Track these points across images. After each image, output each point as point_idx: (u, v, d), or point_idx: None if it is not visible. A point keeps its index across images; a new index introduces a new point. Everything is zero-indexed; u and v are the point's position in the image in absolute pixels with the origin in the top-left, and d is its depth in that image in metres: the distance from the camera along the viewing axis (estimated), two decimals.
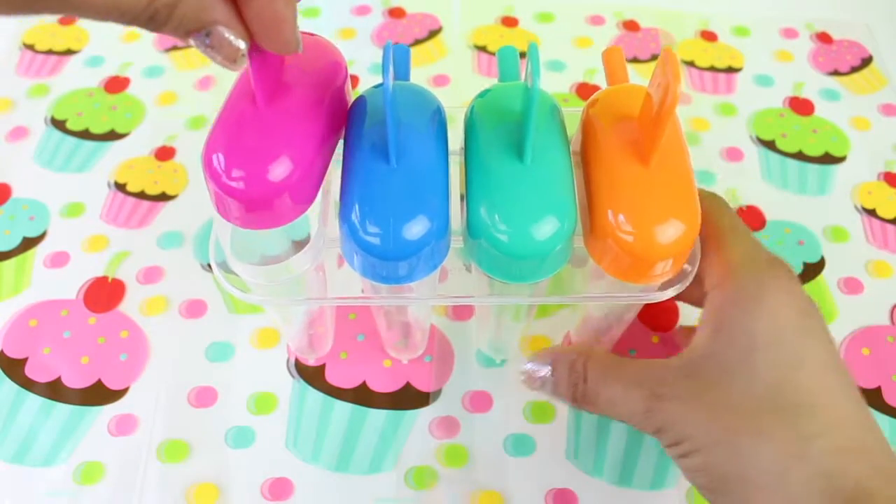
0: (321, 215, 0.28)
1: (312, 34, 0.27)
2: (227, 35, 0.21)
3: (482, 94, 0.29)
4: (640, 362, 0.28)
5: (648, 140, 0.26)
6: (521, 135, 0.26)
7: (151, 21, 0.20)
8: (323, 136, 0.26)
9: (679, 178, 0.26)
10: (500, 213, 0.25)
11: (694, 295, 0.29)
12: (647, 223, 0.25)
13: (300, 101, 0.25)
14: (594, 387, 0.28)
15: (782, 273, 0.27)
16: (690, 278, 0.28)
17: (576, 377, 0.28)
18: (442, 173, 0.26)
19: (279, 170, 0.24)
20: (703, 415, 0.25)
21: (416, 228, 0.24)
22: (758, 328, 0.25)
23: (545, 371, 0.29)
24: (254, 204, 0.24)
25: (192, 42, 0.21)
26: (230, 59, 0.21)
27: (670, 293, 0.28)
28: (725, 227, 0.28)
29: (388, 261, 0.25)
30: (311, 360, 0.36)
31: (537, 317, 0.38)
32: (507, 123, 0.27)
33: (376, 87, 0.28)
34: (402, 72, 0.30)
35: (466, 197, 0.26)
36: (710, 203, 0.29)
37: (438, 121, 0.27)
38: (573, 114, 0.29)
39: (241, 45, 0.21)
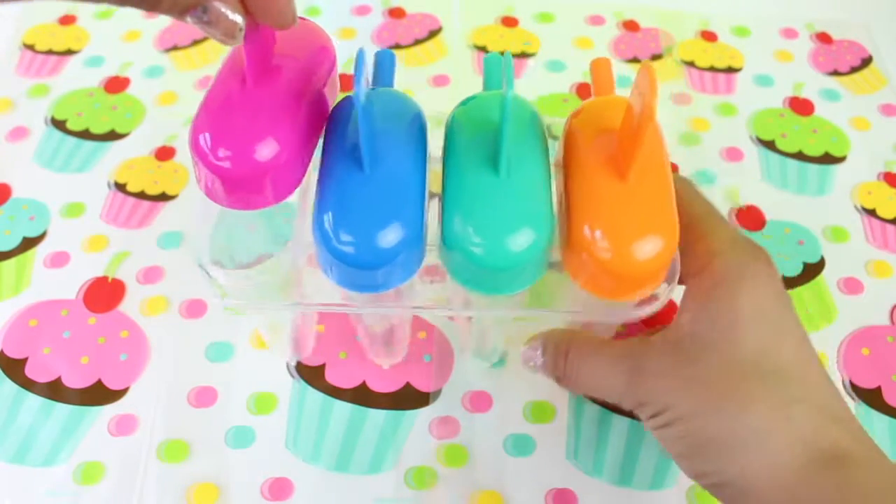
0: (300, 215, 0.28)
1: (302, 18, 0.27)
2: (223, 10, 0.21)
3: (463, 103, 0.28)
4: (620, 342, 0.29)
5: (626, 154, 0.25)
6: (497, 145, 0.25)
7: (145, 0, 0.20)
8: (309, 119, 0.26)
9: (657, 192, 0.26)
10: (474, 225, 0.25)
11: None
12: (624, 239, 0.25)
13: (288, 83, 0.25)
14: (574, 365, 0.29)
15: (763, 258, 0.27)
16: (669, 296, 0.28)
17: (559, 357, 0.29)
18: (417, 180, 0.26)
19: (266, 149, 0.24)
20: (685, 387, 0.26)
21: (388, 236, 0.24)
22: (741, 304, 0.26)
23: (538, 353, 0.30)
24: (240, 183, 0.24)
25: (189, 20, 0.21)
26: (229, 34, 0.21)
27: (647, 311, 0.28)
28: (700, 215, 0.28)
29: (359, 269, 0.25)
30: (292, 363, 0.36)
31: (518, 319, 0.37)
32: (484, 133, 0.26)
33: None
34: (386, 77, 0.30)
35: (442, 207, 0.26)
36: (682, 189, 0.28)
37: (417, 127, 0.27)
38: (559, 124, 0.29)
39: (239, 19, 0.21)
